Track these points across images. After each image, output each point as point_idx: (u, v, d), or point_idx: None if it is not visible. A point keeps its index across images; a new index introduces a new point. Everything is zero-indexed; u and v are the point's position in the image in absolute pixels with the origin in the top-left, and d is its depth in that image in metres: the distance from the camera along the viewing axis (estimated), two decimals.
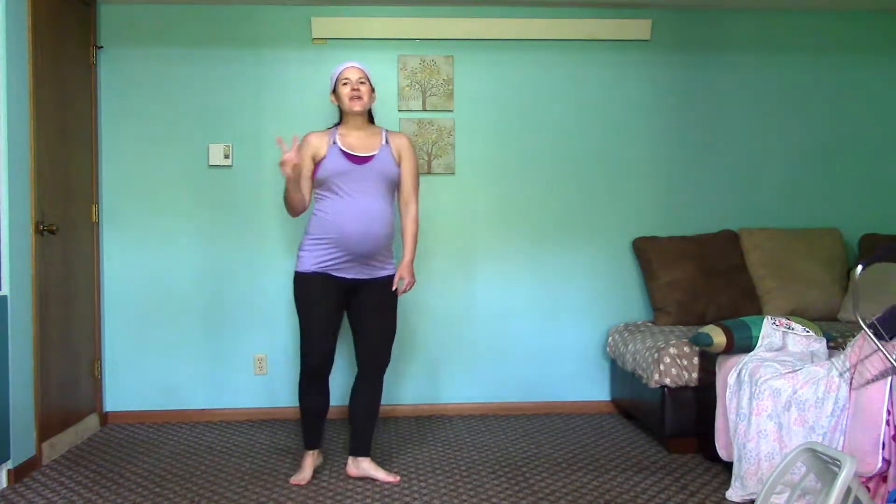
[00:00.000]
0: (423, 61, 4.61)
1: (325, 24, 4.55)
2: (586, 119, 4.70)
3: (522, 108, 4.68)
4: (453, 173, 4.64)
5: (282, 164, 3.23)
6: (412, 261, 3.51)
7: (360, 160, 3.36)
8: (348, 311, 3.51)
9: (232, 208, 4.56)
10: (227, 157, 4.54)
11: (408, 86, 4.60)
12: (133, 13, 4.50)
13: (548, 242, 4.70)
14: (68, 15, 4.13)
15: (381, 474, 3.51)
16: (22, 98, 3.61)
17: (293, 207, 3.42)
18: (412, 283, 3.51)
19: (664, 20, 4.69)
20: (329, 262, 3.37)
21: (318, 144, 3.41)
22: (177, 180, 4.55)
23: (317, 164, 3.39)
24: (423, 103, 4.61)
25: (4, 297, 3.45)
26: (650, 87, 4.72)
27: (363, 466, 3.53)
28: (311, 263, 3.38)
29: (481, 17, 4.61)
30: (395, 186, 3.48)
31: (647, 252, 4.58)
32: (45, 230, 3.78)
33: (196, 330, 4.57)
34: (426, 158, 4.61)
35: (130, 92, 4.52)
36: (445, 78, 4.62)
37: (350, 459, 3.55)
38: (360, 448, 3.53)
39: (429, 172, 4.62)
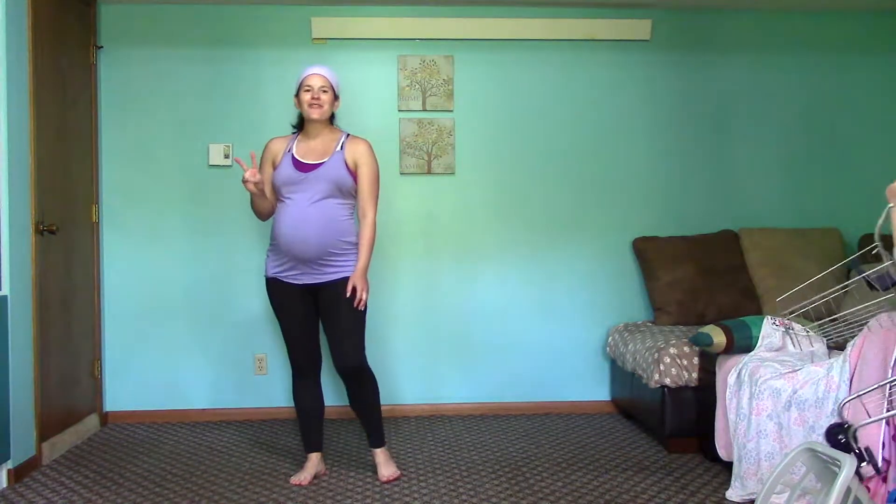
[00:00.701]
0: (423, 61, 4.61)
1: (325, 24, 4.55)
2: (586, 119, 4.70)
3: (522, 107, 4.68)
4: (453, 173, 4.64)
5: (244, 182, 3.33)
6: (365, 268, 3.38)
7: (308, 168, 3.37)
8: (319, 316, 3.50)
9: (232, 208, 4.56)
10: (226, 157, 4.54)
11: (408, 86, 4.60)
12: (133, 13, 4.50)
13: (548, 242, 4.70)
14: (68, 15, 4.13)
15: (380, 470, 3.51)
16: (22, 98, 3.61)
17: (260, 213, 3.54)
18: (365, 290, 3.36)
19: (664, 20, 4.69)
20: (279, 269, 3.43)
21: (277, 151, 3.47)
22: (177, 180, 4.55)
23: (274, 170, 3.45)
24: (423, 103, 4.61)
25: (4, 297, 3.45)
26: (650, 87, 4.72)
27: (373, 455, 3.57)
28: (270, 269, 3.47)
29: (481, 17, 4.61)
30: (349, 192, 3.42)
31: (647, 252, 4.58)
32: (45, 230, 3.78)
33: (196, 330, 4.57)
34: (426, 158, 4.61)
35: (130, 92, 4.52)
36: (445, 78, 4.62)
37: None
38: (371, 440, 3.57)
39: (429, 172, 4.62)
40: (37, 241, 3.71)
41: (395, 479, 3.50)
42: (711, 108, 4.75)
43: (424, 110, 4.62)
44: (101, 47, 4.47)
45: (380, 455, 3.55)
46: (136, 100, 4.52)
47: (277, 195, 3.45)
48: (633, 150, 4.73)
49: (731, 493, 3.25)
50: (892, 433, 2.75)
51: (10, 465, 3.49)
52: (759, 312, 4.42)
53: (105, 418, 4.52)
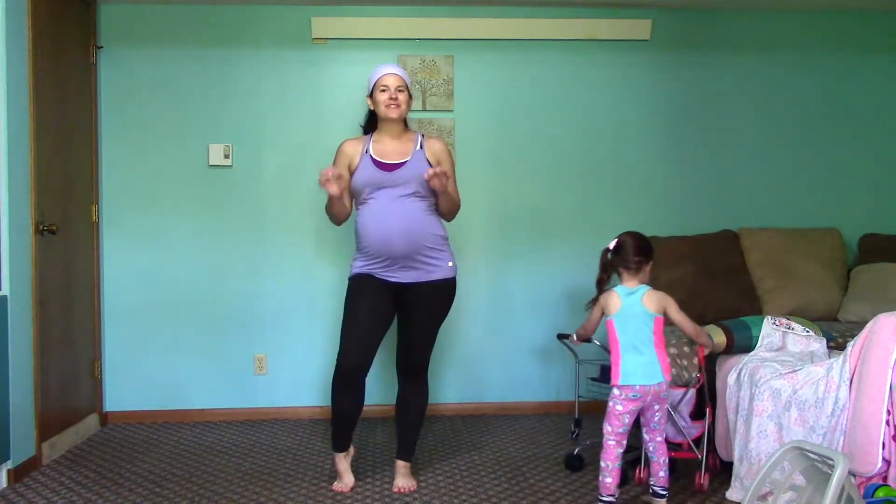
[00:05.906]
0: (423, 61, 4.61)
1: (325, 24, 4.55)
2: (586, 119, 4.70)
3: (522, 108, 4.68)
4: None
5: (324, 182, 3.23)
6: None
7: (392, 167, 3.31)
8: (398, 314, 3.44)
9: (232, 208, 4.56)
10: (227, 157, 4.54)
11: None
12: (133, 13, 4.50)
13: (548, 242, 4.70)
14: (68, 15, 4.13)
15: (398, 480, 3.43)
16: (22, 98, 3.61)
17: (336, 217, 3.45)
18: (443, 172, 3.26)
19: (664, 20, 4.69)
20: (375, 268, 3.34)
21: (353, 153, 3.38)
22: (177, 180, 4.55)
23: (351, 173, 3.37)
24: (423, 103, 4.61)
25: (4, 297, 3.45)
26: (650, 87, 4.72)
27: (395, 465, 3.49)
28: (358, 269, 3.37)
29: (481, 17, 4.61)
30: (432, 190, 3.35)
31: None
32: (45, 230, 3.78)
33: (196, 330, 4.57)
34: None
35: (130, 92, 4.52)
36: (445, 78, 4.62)
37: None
38: (401, 451, 3.48)
39: None
40: (37, 241, 3.71)
41: (410, 492, 3.39)
42: (711, 107, 4.75)
43: (424, 110, 4.62)
44: (101, 47, 4.47)
45: (403, 467, 3.46)
46: (136, 100, 4.52)
47: (357, 198, 3.38)
48: (633, 150, 4.73)
49: (731, 493, 3.25)
50: (892, 433, 2.75)
51: (9, 465, 3.49)
52: (759, 312, 4.42)
53: (105, 418, 4.52)
